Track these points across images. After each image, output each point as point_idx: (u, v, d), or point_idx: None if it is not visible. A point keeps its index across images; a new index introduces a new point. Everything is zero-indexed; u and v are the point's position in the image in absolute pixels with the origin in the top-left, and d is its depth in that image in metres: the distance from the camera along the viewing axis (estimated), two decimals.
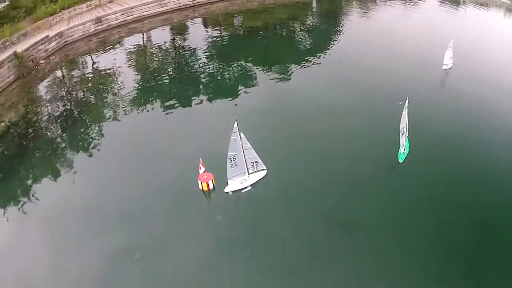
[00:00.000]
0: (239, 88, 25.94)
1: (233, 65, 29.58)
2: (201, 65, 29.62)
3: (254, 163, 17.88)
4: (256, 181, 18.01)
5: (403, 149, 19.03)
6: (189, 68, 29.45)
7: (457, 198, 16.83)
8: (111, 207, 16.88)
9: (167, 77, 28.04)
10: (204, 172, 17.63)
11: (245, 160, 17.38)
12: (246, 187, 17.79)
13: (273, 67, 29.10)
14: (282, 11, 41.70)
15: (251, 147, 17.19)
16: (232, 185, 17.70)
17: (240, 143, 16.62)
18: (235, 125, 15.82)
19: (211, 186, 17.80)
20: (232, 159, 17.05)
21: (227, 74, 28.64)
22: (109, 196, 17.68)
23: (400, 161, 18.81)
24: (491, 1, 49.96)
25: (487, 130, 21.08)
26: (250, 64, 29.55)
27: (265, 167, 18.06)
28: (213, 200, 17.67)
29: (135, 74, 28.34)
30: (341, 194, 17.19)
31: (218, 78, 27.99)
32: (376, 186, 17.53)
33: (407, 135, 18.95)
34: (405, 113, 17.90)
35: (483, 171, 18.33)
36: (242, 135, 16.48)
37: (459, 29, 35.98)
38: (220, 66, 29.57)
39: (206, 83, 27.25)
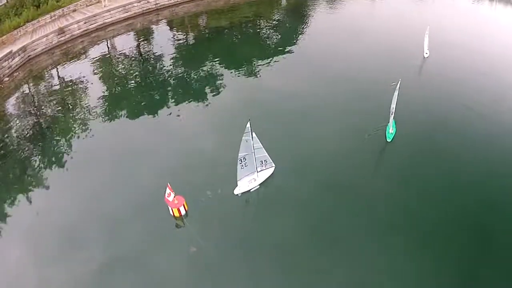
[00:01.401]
0: (206, 91, 26.20)
1: (200, 68, 29.63)
2: (168, 69, 29.72)
3: (263, 161, 18.10)
4: (265, 180, 18.27)
5: (391, 129, 20.74)
6: (156, 74, 29.50)
7: (444, 173, 18.59)
8: (75, 233, 16.59)
9: (134, 84, 28.10)
10: (174, 197, 16.59)
11: (255, 159, 17.47)
12: (255, 187, 17.97)
13: (242, 66, 29.60)
14: (248, 9, 41.97)
15: (261, 146, 17.34)
16: (242, 186, 17.74)
17: (251, 143, 16.66)
18: (248, 125, 15.93)
19: (183, 212, 16.86)
20: (242, 160, 17.07)
21: (195, 77, 28.74)
22: (75, 218, 17.30)
23: (389, 140, 20.54)
24: None
25: (465, 111, 22.78)
26: (218, 65, 29.77)
27: (273, 164, 18.48)
28: (187, 228, 16.73)
29: (102, 84, 28.27)
30: (337, 171, 18.83)
31: (186, 82, 28.15)
32: (369, 165, 19.49)
33: (393, 117, 20.47)
34: (396, 94, 19.35)
35: (464, 148, 20.08)
36: (254, 134, 16.50)
37: (435, 16, 36.94)
38: (187, 69, 29.66)
39: (174, 88, 27.43)
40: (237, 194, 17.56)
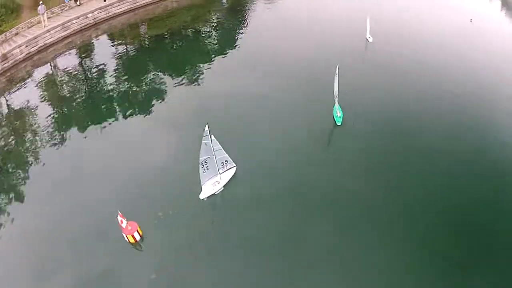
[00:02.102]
0: (154, 102, 27.81)
1: (145, 78, 31.27)
2: (112, 83, 30.99)
3: (224, 162, 19.17)
4: (228, 181, 19.45)
5: (338, 113, 23.43)
6: (101, 89, 30.71)
7: (392, 149, 21.94)
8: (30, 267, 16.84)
9: (81, 102, 29.23)
10: (127, 223, 16.81)
11: (216, 161, 18.39)
12: (219, 189, 18.99)
13: (186, 71, 31.56)
14: (187, 14, 43.89)
15: (221, 148, 18.47)
16: (206, 190, 18.57)
17: (211, 145, 17.64)
18: (206, 128, 17.16)
19: (137, 237, 17.05)
20: (204, 163, 17.91)
21: (141, 88, 30.29)
22: (26, 253, 17.52)
23: (338, 123, 23.18)
24: None
25: (408, 92, 27.06)
26: (162, 74, 31.52)
27: (234, 164, 19.87)
28: (144, 252, 17.14)
29: (49, 106, 29.12)
30: (296, 162, 20.96)
31: (132, 94, 29.59)
32: (324, 151, 22.21)
33: (337, 100, 23.68)
34: (336, 78, 22.49)
35: (408, 126, 23.76)
36: (213, 137, 17.63)
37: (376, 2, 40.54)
38: (132, 81, 31.06)
39: (120, 102, 28.80)
40: (203, 199, 18.48)
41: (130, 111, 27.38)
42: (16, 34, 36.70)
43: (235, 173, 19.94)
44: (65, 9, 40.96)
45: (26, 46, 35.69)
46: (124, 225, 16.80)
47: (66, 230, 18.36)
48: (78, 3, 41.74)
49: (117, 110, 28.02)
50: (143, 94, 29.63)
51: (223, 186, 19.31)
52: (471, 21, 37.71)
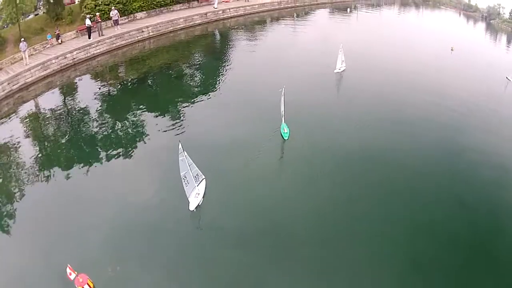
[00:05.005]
0: (135, 139, 28.54)
1: (126, 117, 31.96)
2: (94, 122, 31.24)
3: (197, 175, 21.20)
4: (204, 191, 21.51)
5: (285, 129, 27.19)
6: (82, 129, 30.72)
7: (333, 159, 25.43)
8: None
9: (64, 142, 29.13)
10: (76, 276, 16.22)
11: (192, 175, 20.37)
12: (200, 200, 20.92)
13: (167, 109, 32.82)
14: (166, 54, 46.03)
15: (192, 162, 20.49)
16: (193, 202, 20.43)
17: (186, 161, 19.65)
18: (180, 146, 19.01)
19: None
20: (184, 178, 19.86)
21: (122, 127, 30.84)
22: None
23: (285, 138, 26.90)
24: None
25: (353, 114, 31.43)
26: (143, 112, 32.39)
27: (204, 176, 21.93)
28: None
29: (32, 145, 28.84)
30: (251, 170, 23.90)
31: (113, 133, 29.98)
32: (273, 160, 25.66)
33: (284, 119, 27.35)
34: (282, 99, 26.04)
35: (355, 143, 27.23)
36: (185, 153, 19.51)
37: (350, 33, 45.11)
38: (114, 120, 31.63)
39: (102, 141, 28.94)
40: (193, 210, 20.31)
41: (111, 150, 27.50)
42: (0, 69, 36.96)
43: (206, 184, 22.26)
44: (46, 46, 41.83)
45: (8, 84, 35.65)
46: (72, 277, 16.26)
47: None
48: (59, 41, 42.85)
49: (96, 151, 27.90)
50: (124, 132, 30.20)
51: (202, 198, 21.38)
52: (451, 49, 41.11)
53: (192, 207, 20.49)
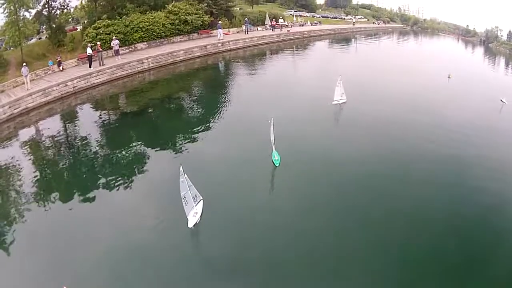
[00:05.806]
0: (134, 170, 28.30)
1: (127, 147, 31.93)
2: (94, 151, 31.40)
3: (195, 196, 21.79)
4: (201, 211, 21.90)
5: (276, 157, 27.72)
6: (82, 156, 30.85)
7: (323, 184, 25.56)
8: None
9: (63, 167, 29.17)
10: None
11: (191, 195, 21.16)
12: (198, 219, 21.39)
13: (167, 137, 33.31)
14: (166, 86, 46.77)
15: (192, 184, 21.15)
16: (192, 220, 21.04)
17: (186, 183, 20.49)
18: (180, 168, 19.85)
19: None
20: (183, 198, 20.74)
21: (122, 156, 30.76)
22: None
23: (277, 165, 27.37)
24: (382, 29, 66.87)
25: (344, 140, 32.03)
26: (143, 143, 32.36)
27: (201, 197, 22.28)
28: None
29: (31, 169, 28.66)
30: (249, 200, 23.79)
31: (114, 162, 30.01)
32: (265, 186, 25.80)
33: (274, 147, 27.98)
34: (272, 129, 27.02)
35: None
36: (185, 175, 20.27)
37: (349, 64, 46.32)
38: (114, 150, 31.73)
39: (102, 169, 28.89)
40: (191, 227, 20.87)
41: (110, 176, 27.43)
42: (2, 91, 37.21)
43: (203, 204, 22.63)
44: (48, 72, 42.32)
45: (9, 107, 35.95)
46: None
47: None
48: (61, 68, 43.37)
49: (96, 175, 27.90)
50: (124, 162, 30.21)
51: (200, 217, 21.73)
52: (449, 77, 41.95)
53: (190, 224, 21.22)
